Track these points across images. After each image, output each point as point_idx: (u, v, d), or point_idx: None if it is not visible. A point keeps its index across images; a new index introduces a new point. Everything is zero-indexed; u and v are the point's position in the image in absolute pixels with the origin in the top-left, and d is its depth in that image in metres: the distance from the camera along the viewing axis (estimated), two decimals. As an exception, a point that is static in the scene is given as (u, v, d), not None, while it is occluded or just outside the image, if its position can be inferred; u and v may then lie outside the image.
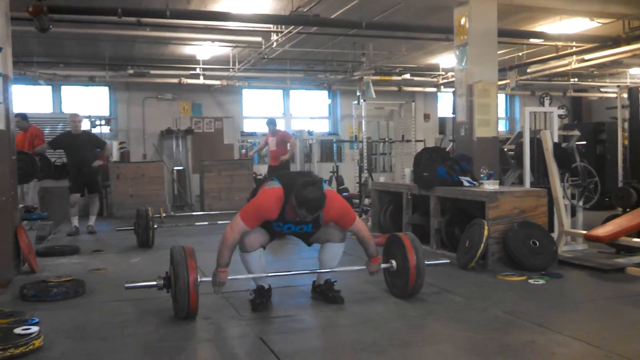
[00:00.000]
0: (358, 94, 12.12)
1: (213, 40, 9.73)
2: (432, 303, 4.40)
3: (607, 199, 9.32)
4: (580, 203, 6.66)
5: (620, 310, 4.25)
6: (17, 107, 7.82)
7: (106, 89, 12.74)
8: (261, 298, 4.24)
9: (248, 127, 13.85)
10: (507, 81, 11.92)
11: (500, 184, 6.60)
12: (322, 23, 8.17)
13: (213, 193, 11.85)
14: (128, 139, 12.65)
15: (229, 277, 4.14)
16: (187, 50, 10.94)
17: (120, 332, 3.78)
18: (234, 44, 9.99)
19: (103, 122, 11.88)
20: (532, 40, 10.06)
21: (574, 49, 10.27)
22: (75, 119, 8.74)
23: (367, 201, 8.91)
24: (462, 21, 7.12)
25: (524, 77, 12.47)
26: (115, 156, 12.01)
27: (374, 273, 4.51)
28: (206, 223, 8.72)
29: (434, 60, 12.40)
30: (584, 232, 5.98)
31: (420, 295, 4.51)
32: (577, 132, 7.49)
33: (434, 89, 14.04)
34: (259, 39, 9.36)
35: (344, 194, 11.27)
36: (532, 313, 4.05)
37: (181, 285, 3.82)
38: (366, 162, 11.02)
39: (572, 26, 9.23)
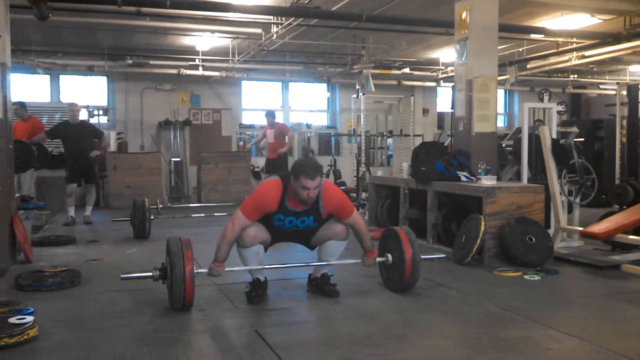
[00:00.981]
0: (357, 87, 12.09)
1: (213, 31, 9.69)
2: (428, 297, 4.40)
3: (604, 196, 9.34)
4: (577, 200, 6.67)
5: (615, 306, 4.26)
6: (15, 96, 7.79)
7: (104, 78, 12.69)
8: (257, 290, 4.24)
9: (246, 119, 13.82)
10: (507, 76, 11.91)
11: (498, 179, 6.60)
12: (322, 15, 8.14)
13: (210, 185, 11.85)
14: (126, 130, 12.61)
15: (226, 269, 4.14)
16: (186, 41, 10.90)
17: (115, 322, 3.78)
18: (233, 35, 9.96)
19: (101, 112, 11.83)
20: (533, 36, 10.04)
21: (575, 45, 10.25)
22: (73, 108, 8.72)
23: (364, 195, 8.91)
24: (463, 15, 7.10)
25: (524, 73, 12.46)
26: (112, 147, 11.98)
27: (366, 265, 4.53)
28: (203, 215, 8.71)
29: (434, 54, 12.38)
30: (580, 228, 6.00)
31: (416, 290, 4.52)
32: (575, 129, 7.50)
33: (433, 84, 14.01)
34: (259, 30, 9.32)
35: (341, 187, 11.27)
36: (527, 309, 4.06)
37: (177, 277, 3.82)
38: (364, 156, 11.01)
39: (573, 22, 9.21)
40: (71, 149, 8.57)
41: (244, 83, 13.51)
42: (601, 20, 8.80)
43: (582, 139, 10.93)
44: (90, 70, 11.63)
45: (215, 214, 8.50)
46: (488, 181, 6.01)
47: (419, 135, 12.65)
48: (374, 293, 4.52)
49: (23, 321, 3.39)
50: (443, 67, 12.95)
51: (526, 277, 5.01)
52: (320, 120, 14.62)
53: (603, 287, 4.83)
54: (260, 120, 12.89)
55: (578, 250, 6.28)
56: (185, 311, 3.96)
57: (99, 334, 3.56)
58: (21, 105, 9.17)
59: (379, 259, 4.57)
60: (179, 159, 12.66)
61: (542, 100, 7.17)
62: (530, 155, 6.73)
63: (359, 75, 11.96)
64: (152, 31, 9.95)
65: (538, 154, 6.59)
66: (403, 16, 8.76)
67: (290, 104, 14.24)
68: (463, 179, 6.32)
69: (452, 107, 7.72)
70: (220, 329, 3.74)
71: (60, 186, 9.10)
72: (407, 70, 12.69)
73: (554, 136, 6.65)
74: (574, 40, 10.04)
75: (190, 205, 11.36)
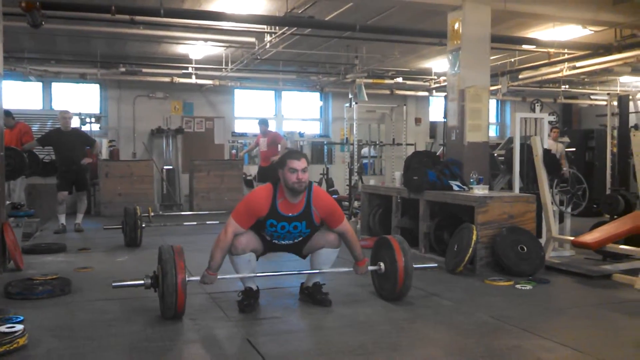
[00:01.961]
0: (350, 96, 12.13)
1: (206, 40, 9.70)
2: (420, 307, 4.40)
3: (595, 206, 9.39)
4: (569, 209, 6.70)
5: (607, 316, 4.27)
6: (7, 104, 7.76)
7: (97, 86, 12.66)
8: (249, 299, 4.23)
9: (239, 127, 13.82)
10: (499, 87, 11.98)
11: (490, 189, 6.62)
12: (316, 25, 8.17)
13: (202, 193, 11.83)
14: (118, 137, 12.58)
15: (218, 277, 4.13)
16: (179, 49, 10.91)
17: (106, 331, 3.75)
18: (227, 44, 9.97)
19: (93, 119, 11.79)
20: (525, 47, 10.11)
21: (566, 56, 10.33)
22: (65, 115, 8.69)
23: (356, 204, 8.91)
24: (456, 26, 7.15)
25: (516, 83, 12.53)
26: (104, 154, 11.94)
27: (359, 274, 4.52)
28: (195, 223, 8.69)
29: (427, 64, 12.44)
30: (572, 238, 6.02)
31: (408, 299, 4.51)
32: (566, 139, 7.54)
33: (425, 93, 14.07)
34: (252, 39, 9.35)
35: (334, 196, 11.28)
36: (518, 318, 4.07)
37: (169, 285, 3.80)
38: (356, 164, 11.02)
39: (565, 33, 9.29)
40: (63, 156, 8.54)
41: (237, 91, 13.52)
42: (592, 32, 8.87)
43: (574, 149, 11.01)
44: (82, 78, 11.60)
45: (207, 222, 8.48)
46: (480, 191, 6.03)
47: (412, 145, 12.70)
48: (367, 302, 4.51)
49: (12, 330, 3.36)
50: (435, 77, 13.01)
51: (518, 286, 5.02)
52: (313, 129, 14.64)
53: (594, 296, 4.85)
54: (253, 128, 12.89)
55: (569, 260, 6.31)
56: (176, 320, 3.94)
57: (89, 342, 3.53)
58: (7, 114, 9.10)
59: (371, 268, 4.56)
60: (171, 167, 12.63)
61: (533, 110, 7.20)
62: (522, 165, 6.76)
63: (352, 84, 12.00)
64: (146, 39, 9.96)
65: (530, 164, 6.61)
66: (396, 26, 8.81)
67: (283, 112, 14.25)
68: (455, 188, 6.34)
69: (445, 117, 7.75)
70: (212, 338, 3.72)
71: (51, 194, 9.06)
72: (399, 79, 12.74)
73: (546, 146, 6.69)
74: (566, 51, 10.12)
75: (182, 213, 11.33)
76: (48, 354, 3.31)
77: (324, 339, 3.75)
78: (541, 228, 6.49)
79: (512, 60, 11.40)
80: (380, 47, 10.46)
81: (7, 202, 6.69)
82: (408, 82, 13.13)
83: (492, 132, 15.63)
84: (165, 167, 12.55)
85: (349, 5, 7.66)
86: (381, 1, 7.29)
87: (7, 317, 3.76)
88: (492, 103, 15.44)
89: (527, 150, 6.69)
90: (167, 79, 11.88)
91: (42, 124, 11.36)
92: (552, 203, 6.32)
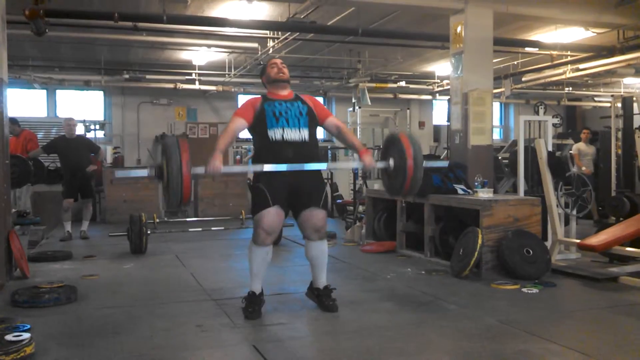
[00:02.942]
0: (353, 100, 12.15)
1: (209, 46, 9.73)
2: (426, 311, 4.39)
3: (600, 208, 9.36)
4: (574, 212, 6.68)
5: (614, 319, 4.25)
6: (12, 111, 7.79)
7: (101, 93, 12.72)
8: (253, 306, 4.20)
9: (243, 133, 13.78)
10: (502, 89, 11.97)
11: (495, 192, 6.61)
12: (318, 30, 8.19)
13: (207, 199, 11.82)
14: (122, 144, 12.62)
15: (223, 169, 4.14)
16: (183, 55, 10.95)
17: (112, 339, 3.75)
18: (230, 50, 10.01)
19: (97, 126, 11.84)
20: (527, 49, 10.11)
21: (569, 58, 10.33)
22: (70, 122, 8.72)
23: (361, 208, 8.90)
24: (458, 29, 7.15)
25: (519, 86, 12.53)
26: (109, 161, 11.98)
27: (369, 168, 4.46)
28: (200, 229, 8.67)
29: (430, 68, 12.45)
30: (578, 241, 6.00)
31: (414, 303, 4.51)
32: (571, 141, 7.52)
33: (429, 97, 14.08)
34: (255, 44, 9.37)
35: (338, 200, 11.28)
36: (525, 322, 4.05)
37: (173, 174, 3.74)
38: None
39: (567, 35, 9.28)
40: (68, 163, 8.56)
41: (241, 97, 13.55)
42: (595, 34, 8.87)
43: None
44: (87, 85, 11.65)
45: (212, 228, 8.48)
46: (485, 194, 6.01)
47: (416, 148, 12.67)
48: (372, 307, 4.51)
49: (19, 338, 3.37)
50: (439, 81, 13.02)
51: (524, 290, 5.00)
52: (317, 133, 14.62)
53: (601, 299, 4.83)
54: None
55: (576, 263, 6.29)
56: (183, 327, 3.94)
57: (95, 350, 3.53)
58: (13, 121, 9.16)
59: (380, 165, 4.45)
60: (175, 173, 12.63)
61: (537, 113, 7.20)
62: (526, 167, 6.75)
63: (355, 88, 12.01)
64: (149, 46, 10.00)
65: (534, 167, 6.60)
66: (399, 30, 8.83)
67: (286, 117, 14.23)
68: (460, 192, 6.33)
69: (448, 120, 7.74)
70: (218, 345, 3.72)
71: (56, 201, 9.07)
72: (402, 83, 12.75)
73: (550, 149, 6.68)
74: (569, 53, 10.12)
75: (187, 219, 11.31)
76: (55, 362, 3.31)
77: (330, 345, 3.74)
78: (546, 231, 6.48)
79: (515, 62, 11.40)
80: (383, 51, 10.47)
81: (13, 210, 6.72)
82: (411, 86, 13.14)
83: (496, 135, 15.63)
84: (169, 173, 12.55)
85: (351, 10, 7.68)
86: (383, 6, 7.30)
87: (14, 326, 3.77)
88: (496, 106, 15.43)
89: (531, 152, 6.68)
90: (170, 85, 11.92)
91: (46, 131, 11.40)
92: (557, 205, 6.30)
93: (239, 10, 7.92)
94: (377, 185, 9.07)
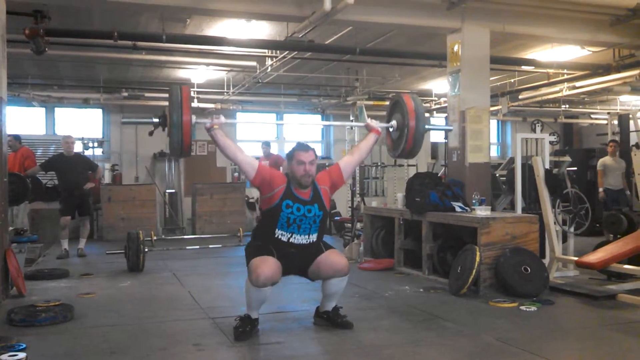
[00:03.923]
0: (351, 118, 12.19)
1: (208, 64, 9.78)
2: (424, 329, 4.38)
3: (597, 225, 9.35)
4: (572, 229, 6.69)
5: (612, 337, 4.24)
6: (10, 129, 7.81)
7: (100, 111, 12.75)
8: (245, 327, 4.12)
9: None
10: (499, 107, 12.02)
11: (492, 209, 6.61)
12: (316, 49, 8.24)
13: (205, 216, 11.81)
14: (120, 162, 12.62)
15: (226, 120, 4.25)
16: (181, 73, 10.99)
17: (109, 358, 3.74)
18: (228, 68, 10.06)
19: (96, 144, 11.86)
20: (524, 68, 10.18)
21: (565, 76, 10.39)
22: (68, 140, 8.74)
23: (359, 225, 8.90)
24: (455, 48, 7.21)
25: (516, 103, 12.57)
26: (107, 179, 11.98)
27: (371, 126, 4.56)
28: (197, 247, 8.68)
29: (427, 85, 12.51)
30: (575, 258, 6.00)
31: (412, 322, 4.49)
32: (568, 158, 7.55)
33: (426, 114, 14.12)
34: (253, 63, 9.43)
35: (335, 217, 11.28)
36: (523, 340, 4.04)
37: (176, 122, 3.90)
38: (358, 186, 11.02)
39: (564, 54, 9.35)
40: (65, 181, 8.56)
41: (239, 115, 13.58)
42: (591, 52, 8.94)
43: (575, 168, 11.00)
44: (85, 103, 11.69)
45: (210, 246, 8.47)
46: (482, 211, 6.02)
47: (413, 165, 12.69)
48: (371, 325, 4.49)
49: (15, 357, 3.35)
50: (436, 98, 13.08)
51: (522, 307, 4.99)
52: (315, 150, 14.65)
53: (599, 317, 4.82)
54: (255, 151, 12.93)
55: (574, 280, 6.28)
56: (178, 346, 3.92)
57: (92, 370, 3.51)
58: (15, 138, 9.19)
59: (384, 125, 4.63)
60: (173, 191, 12.66)
61: (534, 130, 7.23)
62: (523, 185, 6.77)
63: (353, 106, 12.05)
64: (148, 64, 10.05)
65: (531, 184, 6.62)
66: (396, 49, 8.89)
67: (284, 134, 14.30)
68: (457, 209, 6.34)
69: (446, 137, 7.77)
70: (215, 363, 3.70)
71: (54, 219, 9.06)
72: (400, 101, 12.78)
73: (547, 166, 6.70)
74: (565, 71, 10.18)
75: (185, 237, 11.28)
76: (51, 382, 3.29)
77: (327, 363, 3.72)
78: (544, 248, 6.48)
79: (512, 80, 11.46)
80: (381, 69, 10.53)
81: (10, 228, 6.71)
82: (409, 104, 13.17)
83: (494, 152, 15.66)
84: (167, 190, 12.57)
85: (349, 29, 7.74)
86: (380, 25, 7.36)
87: (10, 345, 3.75)
88: (493, 123, 15.49)
89: (528, 170, 6.70)
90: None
91: (45, 148, 11.41)
92: (554, 223, 6.31)
93: (237, 29, 7.98)
94: (374, 203, 9.08)
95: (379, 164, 14.02)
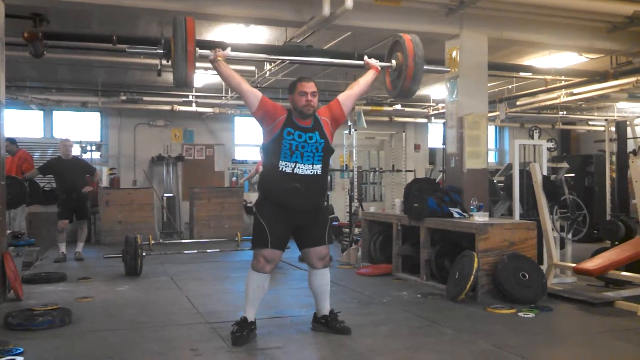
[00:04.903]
0: (349, 123, 12.20)
1: (206, 69, 9.78)
2: (422, 336, 4.37)
3: (595, 232, 9.38)
4: (569, 235, 6.70)
5: (610, 344, 4.25)
6: (8, 132, 7.80)
7: (98, 114, 12.74)
8: (242, 331, 4.13)
9: (239, 154, 13.86)
10: (497, 113, 12.05)
11: (490, 215, 6.62)
12: (315, 54, 8.25)
13: (203, 220, 11.80)
14: (118, 165, 12.61)
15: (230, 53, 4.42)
16: (180, 77, 10.99)
17: (106, 362, 3.73)
18: (227, 73, 10.05)
19: (94, 147, 11.85)
20: (522, 74, 10.20)
21: (563, 83, 10.42)
22: (66, 144, 8.73)
23: (357, 231, 8.90)
24: (454, 54, 7.23)
25: (514, 110, 12.61)
26: (104, 182, 11.96)
27: (370, 63, 4.64)
28: (195, 251, 8.66)
29: (425, 91, 12.53)
30: (573, 265, 6.00)
31: (410, 327, 4.49)
32: (565, 165, 7.57)
33: (424, 120, 14.15)
34: (252, 68, 9.44)
35: (334, 222, 11.27)
36: (521, 346, 4.04)
37: (180, 53, 3.91)
38: (356, 191, 11.03)
39: (561, 60, 9.38)
40: (63, 184, 8.55)
41: (237, 119, 13.60)
42: (588, 59, 8.97)
43: (573, 175, 11.03)
44: (83, 106, 11.67)
45: (208, 250, 8.47)
46: (480, 217, 6.03)
47: (411, 171, 12.73)
48: (368, 331, 4.48)
49: (12, 362, 3.34)
50: (434, 104, 13.11)
51: (520, 314, 4.99)
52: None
53: (597, 324, 4.82)
54: (253, 155, 12.94)
55: (571, 287, 6.28)
56: (176, 351, 3.91)
57: (89, 374, 3.50)
58: (11, 141, 9.17)
59: (383, 64, 4.67)
60: (171, 195, 12.64)
61: (532, 137, 7.24)
62: (521, 191, 6.78)
63: (351, 111, 12.06)
64: (146, 68, 10.05)
65: (529, 190, 6.63)
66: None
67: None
68: (455, 215, 6.35)
69: (444, 143, 7.79)
70: (213, 369, 3.70)
71: (51, 222, 9.04)
72: (398, 106, 12.81)
73: (545, 172, 6.71)
74: (563, 78, 10.21)
75: (183, 241, 11.29)
76: (48, 387, 3.28)
77: (325, 369, 3.72)
78: (542, 254, 6.48)
79: (510, 87, 11.49)
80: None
81: (8, 231, 6.70)
82: (407, 109, 13.21)
83: (491, 158, 15.69)
84: (165, 194, 12.56)
85: (347, 34, 7.76)
86: (378, 31, 7.38)
87: (7, 349, 3.74)
88: (491, 129, 15.52)
89: (526, 176, 6.71)
90: (167, 107, 11.95)
91: (43, 152, 11.39)
92: (552, 229, 6.32)
93: (236, 33, 7.99)
94: (372, 208, 9.09)
95: (377, 169, 14.07)
